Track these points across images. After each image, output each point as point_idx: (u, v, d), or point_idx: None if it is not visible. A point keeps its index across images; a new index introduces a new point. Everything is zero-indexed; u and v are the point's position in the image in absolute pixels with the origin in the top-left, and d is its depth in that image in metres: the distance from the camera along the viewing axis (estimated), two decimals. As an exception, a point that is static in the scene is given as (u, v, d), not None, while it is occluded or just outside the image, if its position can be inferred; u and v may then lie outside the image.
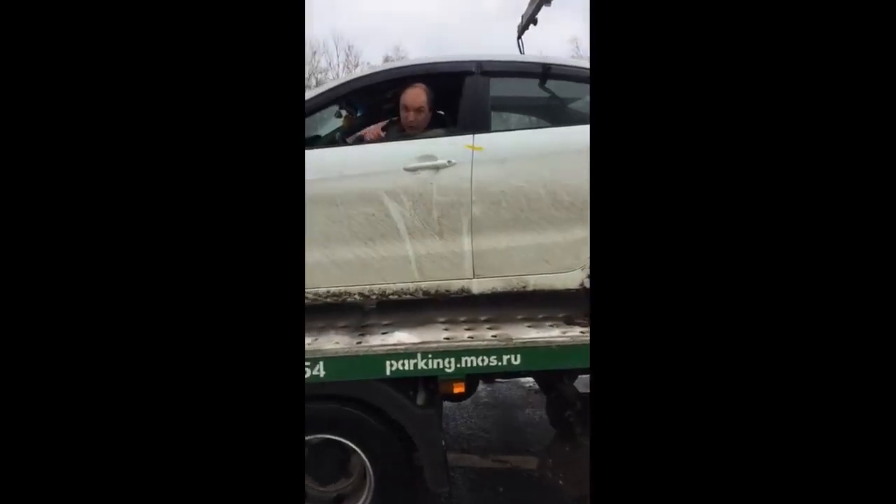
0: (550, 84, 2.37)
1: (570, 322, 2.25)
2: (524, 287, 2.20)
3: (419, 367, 1.88)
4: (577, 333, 2.05)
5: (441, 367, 1.88)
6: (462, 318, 2.36)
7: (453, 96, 2.26)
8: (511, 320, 2.34)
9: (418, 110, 2.23)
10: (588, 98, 2.41)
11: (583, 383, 2.32)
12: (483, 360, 1.89)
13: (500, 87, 2.32)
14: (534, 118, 2.63)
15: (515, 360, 1.89)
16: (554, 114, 2.52)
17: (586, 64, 2.26)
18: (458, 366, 1.89)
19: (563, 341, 1.93)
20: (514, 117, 2.78)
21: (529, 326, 2.21)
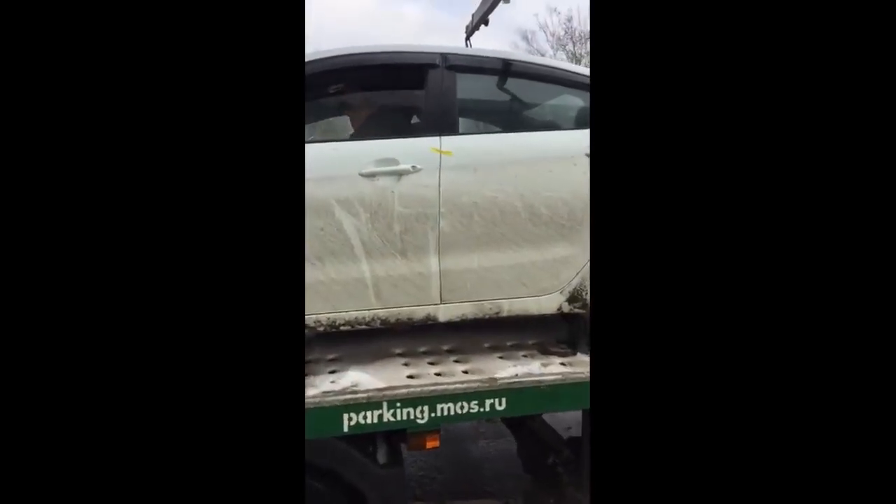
0: (527, 87, 2.12)
1: (545, 352, 2.01)
2: (497, 313, 1.92)
3: (385, 420, 1.52)
4: (562, 367, 1.80)
5: (412, 417, 1.54)
6: (422, 349, 2.03)
7: (414, 92, 1.94)
8: (478, 350, 2.05)
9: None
10: (565, 101, 2.21)
11: (558, 421, 2.09)
12: (462, 407, 1.57)
13: (468, 86, 2.03)
14: (502, 123, 2.38)
15: (500, 405, 1.60)
16: (525, 118, 2.28)
17: (565, 65, 2.05)
18: (433, 415, 1.55)
19: (552, 380, 1.67)
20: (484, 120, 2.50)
21: (502, 358, 1.94)
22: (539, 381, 1.64)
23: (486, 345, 2.09)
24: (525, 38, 17.40)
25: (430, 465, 2.83)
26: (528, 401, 1.63)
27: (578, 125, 2.16)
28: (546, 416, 2.16)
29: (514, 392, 1.61)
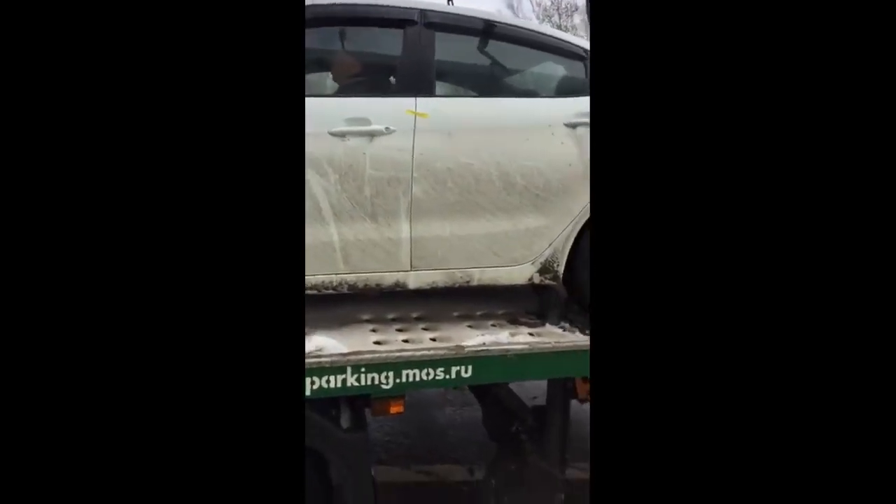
0: (508, 51, 2.05)
1: (514, 322, 2.01)
2: (468, 282, 1.90)
3: (349, 385, 1.50)
4: (529, 338, 1.80)
5: (376, 382, 1.52)
6: (391, 316, 2.01)
7: (390, 50, 1.85)
8: (447, 318, 2.03)
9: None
10: (548, 69, 2.15)
11: (524, 391, 2.11)
12: (428, 374, 1.56)
13: (448, 47, 1.95)
14: (481, 87, 2.30)
15: (466, 372, 1.59)
16: (505, 84, 2.21)
17: (550, 30, 1.99)
18: (398, 381, 1.54)
19: (520, 349, 1.66)
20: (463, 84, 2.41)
21: (471, 327, 1.93)
22: (506, 351, 1.64)
23: (456, 313, 2.08)
24: (510, 6, 17.01)
25: (396, 430, 2.85)
26: (494, 369, 1.63)
27: (560, 94, 2.12)
28: (513, 386, 2.18)
29: (481, 360, 1.60)
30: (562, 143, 1.91)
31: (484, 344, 1.73)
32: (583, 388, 2.30)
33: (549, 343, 1.71)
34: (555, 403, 1.86)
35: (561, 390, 1.86)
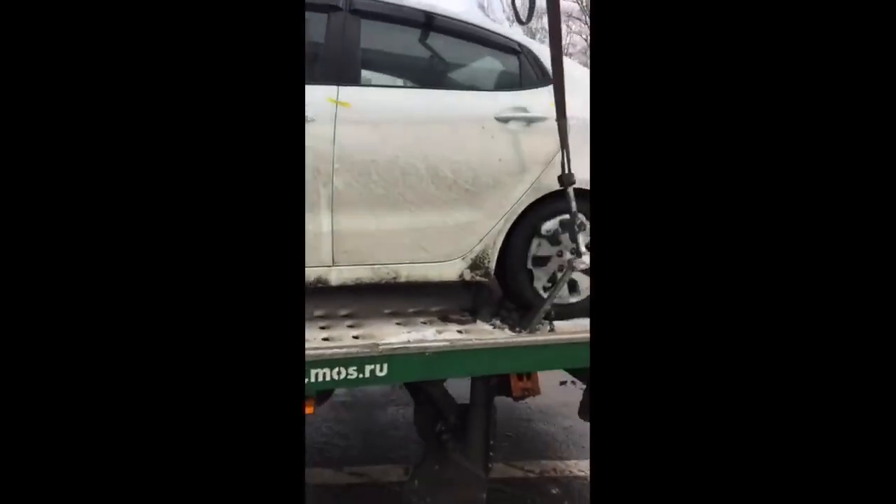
0: (445, 42, 2.00)
1: (445, 319, 1.96)
2: (395, 278, 1.85)
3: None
4: (455, 335, 1.76)
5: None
6: (318, 313, 1.94)
7: (314, 36, 1.78)
8: (377, 315, 1.97)
9: None
10: (489, 64, 2.11)
11: (457, 388, 2.06)
12: (340, 373, 1.50)
13: (376, 35, 1.89)
14: (411, 80, 2.25)
15: (381, 370, 1.54)
16: (438, 77, 2.16)
17: (490, 25, 1.95)
18: (307, 381, 1.47)
19: (438, 346, 1.62)
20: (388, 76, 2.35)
21: (399, 324, 1.87)
22: (423, 349, 1.59)
23: (387, 310, 2.03)
24: (481, 6, 17.01)
25: (334, 431, 2.78)
26: (411, 368, 1.58)
27: (492, 88, 2.08)
28: (457, 382, 2.14)
29: (397, 359, 1.55)
30: (492, 137, 1.87)
31: (408, 341, 1.68)
32: (517, 386, 2.27)
33: (471, 340, 1.67)
34: (478, 402, 1.82)
35: (484, 388, 1.82)
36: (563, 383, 2.64)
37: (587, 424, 2.44)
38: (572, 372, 2.52)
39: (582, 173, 1.93)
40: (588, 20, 24.24)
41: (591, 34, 0.88)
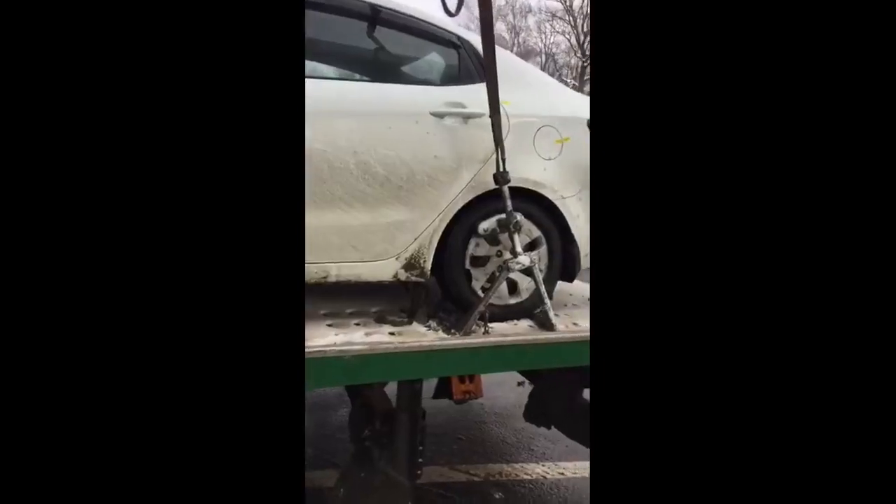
0: (386, 35, 1.94)
1: (381, 320, 1.90)
2: (324, 277, 1.78)
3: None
4: (385, 338, 1.70)
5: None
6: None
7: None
8: (311, 317, 1.90)
9: None
10: (427, 58, 2.05)
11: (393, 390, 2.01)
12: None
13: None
14: (343, 71, 2.18)
15: (297, 375, 1.46)
16: (371, 68, 2.10)
17: (427, 16, 1.89)
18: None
19: (360, 350, 1.55)
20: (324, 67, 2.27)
21: (330, 326, 1.81)
22: (342, 352, 1.52)
23: (323, 311, 1.96)
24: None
25: (279, 434, 2.70)
26: (330, 372, 1.52)
27: (429, 82, 2.02)
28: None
29: (314, 362, 1.48)
30: (427, 133, 1.82)
31: (334, 344, 1.62)
32: (458, 389, 2.22)
33: (393, 344, 1.61)
34: (404, 407, 1.77)
35: (410, 392, 1.77)
36: (520, 384, 2.61)
37: (539, 427, 2.41)
38: (524, 373, 2.48)
39: (521, 172, 1.90)
40: (572, 20, 24.29)
41: (592, 34, 0.91)
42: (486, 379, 2.97)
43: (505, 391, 3.22)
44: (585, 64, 24.77)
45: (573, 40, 24.81)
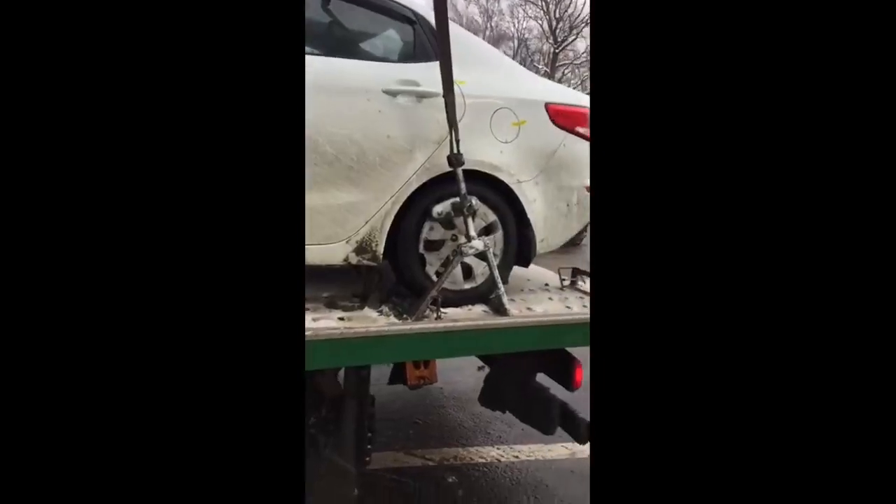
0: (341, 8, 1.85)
1: (332, 305, 1.85)
2: (271, 261, 1.71)
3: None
4: (333, 323, 1.65)
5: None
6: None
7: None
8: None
9: None
10: (386, 34, 1.98)
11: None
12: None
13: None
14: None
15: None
16: (332, 45, 2.01)
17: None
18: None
19: (306, 336, 1.50)
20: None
21: (278, 310, 1.74)
22: (285, 337, 1.47)
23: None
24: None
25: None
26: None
27: (383, 58, 1.95)
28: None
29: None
30: (379, 111, 1.75)
31: (279, 329, 1.56)
32: (413, 374, 2.20)
33: (339, 329, 1.56)
34: (350, 393, 1.73)
35: (356, 379, 1.73)
36: (480, 368, 2.60)
37: (495, 411, 2.42)
38: (482, 357, 2.48)
39: (476, 154, 1.87)
40: (544, 6, 24.20)
41: (591, 34, 0.88)
42: (446, 364, 2.97)
43: (464, 376, 3.22)
44: (557, 50, 24.78)
45: (545, 26, 24.77)
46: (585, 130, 2.08)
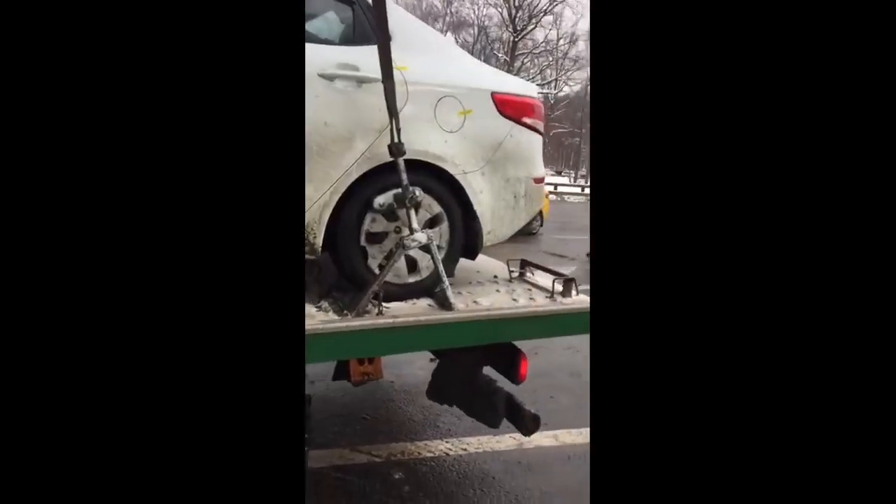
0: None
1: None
2: (198, 255, 1.60)
3: None
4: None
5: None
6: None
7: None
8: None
9: None
10: (326, 15, 1.87)
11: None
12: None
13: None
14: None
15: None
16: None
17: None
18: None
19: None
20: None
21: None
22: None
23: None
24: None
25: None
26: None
27: (316, 40, 1.85)
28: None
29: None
30: (316, 96, 1.66)
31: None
32: (356, 371, 2.14)
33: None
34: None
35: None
36: (432, 360, 2.56)
37: (443, 405, 2.39)
38: (433, 350, 2.44)
39: (420, 144, 1.80)
40: (504, -9, 24.16)
41: (591, 34, 0.88)
42: (395, 356, 2.92)
43: (414, 369, 3.18)
44: (516, 39, 24.85)
45: (505, 14, 24.76)
46: (532, 121, 2.06)
